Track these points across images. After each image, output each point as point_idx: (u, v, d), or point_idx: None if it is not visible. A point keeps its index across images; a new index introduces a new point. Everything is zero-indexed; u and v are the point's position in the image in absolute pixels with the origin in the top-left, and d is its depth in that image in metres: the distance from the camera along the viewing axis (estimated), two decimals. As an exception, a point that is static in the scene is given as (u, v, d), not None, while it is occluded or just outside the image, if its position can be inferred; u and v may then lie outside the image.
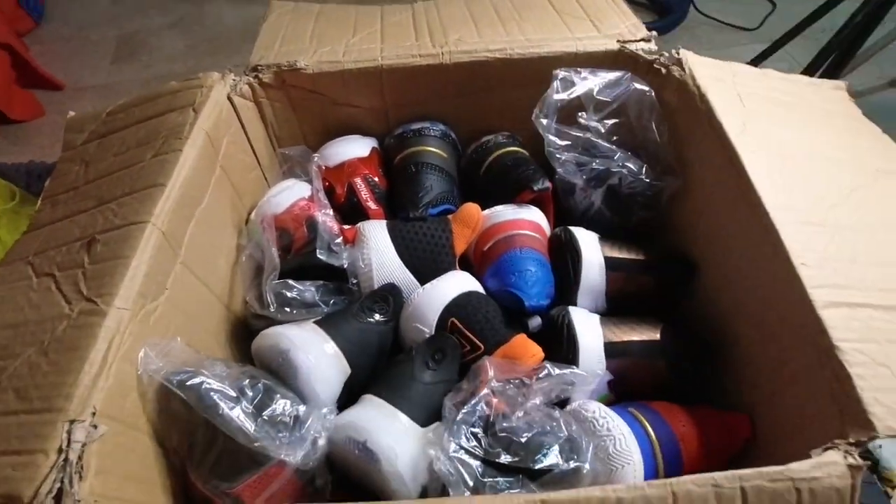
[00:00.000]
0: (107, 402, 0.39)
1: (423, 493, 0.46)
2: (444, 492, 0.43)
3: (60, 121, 0.62)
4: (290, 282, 0.57)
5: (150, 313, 0.46)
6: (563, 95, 0.62)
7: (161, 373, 0.44)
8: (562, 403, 0.52)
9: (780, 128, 0.55)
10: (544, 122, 0.63)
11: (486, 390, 0.46)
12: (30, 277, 0.48)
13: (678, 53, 0.62)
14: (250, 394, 0.46)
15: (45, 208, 0.56)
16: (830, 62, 1.07)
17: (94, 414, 0.38)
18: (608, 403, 0.54)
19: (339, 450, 0.47)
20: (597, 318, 0.57)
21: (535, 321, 0.59)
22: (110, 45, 1.52)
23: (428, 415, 0.50)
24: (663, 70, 0.63)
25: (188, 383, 0.43)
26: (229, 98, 0.61)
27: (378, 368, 0.56)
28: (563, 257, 0.62)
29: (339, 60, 0.64)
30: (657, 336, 0.55)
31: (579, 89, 0.63)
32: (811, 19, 1.16)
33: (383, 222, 0.63)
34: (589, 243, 0.62)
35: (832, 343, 0.38)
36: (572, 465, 0.43)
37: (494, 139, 0.73)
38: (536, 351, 0.52)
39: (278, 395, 0.47)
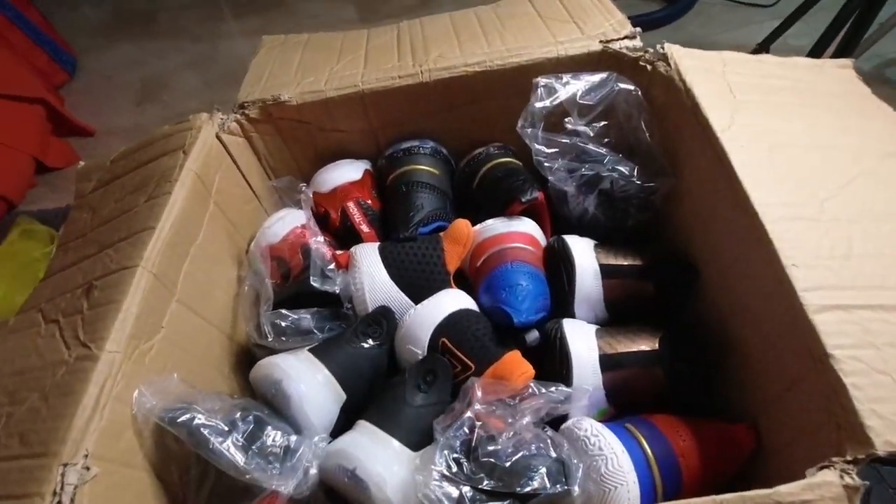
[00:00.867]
0: (100, 443, 0.41)
1: (418, 519, 0.46)
2: (437, 517, 0.42)
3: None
4: (285, 311, 0.58)
5: (145, 353, 0.48)
6: (545, 103, 0.61)
7: (154, 411, 0.45)
8: (561, 419, 0.50)
9: (773, 118, 0.52)
10: (529, 131, 0.62)
11: (469, 413, 0.45)
12: (39, 324, 0.51)
13: (662, 48, 0.60)
14: (241, 426, 0.47)
15: (58, 255, 0.60)
16: (848, 29, 1.00)
17: (86, 456, 0.40)
18: (608, 417, 0.52)
19: (330, 477, 0.48)
20: (592, 329, 0.56)
21: (533, 335, 0.58)
22: (135, 89, 1.61)
23: (420, 438, 0.49)
24: (649, 67, 0.61)
25: (179, 420, 0.45)
26: (218, 137, 0.63)
27: (374, 392, 0.56)
28: (558, 267, 0.61)
29: (321, 89, 0.65)
30: (656, 345, 0.53)
31: (562, 95, 0.61)
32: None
33: (375, 245, 0.64)
34: (582, 251, 0.60)
35: (825, 351, 0.36)
36: (560, 488, 0.41)
37: (486, 151, 0.72)
38: (526, 369, 0.51)
39: (269, 427, 0.48)
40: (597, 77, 0.62)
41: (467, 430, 0.44)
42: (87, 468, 0.39)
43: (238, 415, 0.47)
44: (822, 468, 0.33)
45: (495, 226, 0.63)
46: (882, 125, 0.53)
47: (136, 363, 0.46)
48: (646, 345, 0.53)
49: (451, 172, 0.74)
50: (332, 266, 0.61)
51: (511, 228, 0.63)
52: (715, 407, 0.51)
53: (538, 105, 0.61)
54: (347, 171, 0.71)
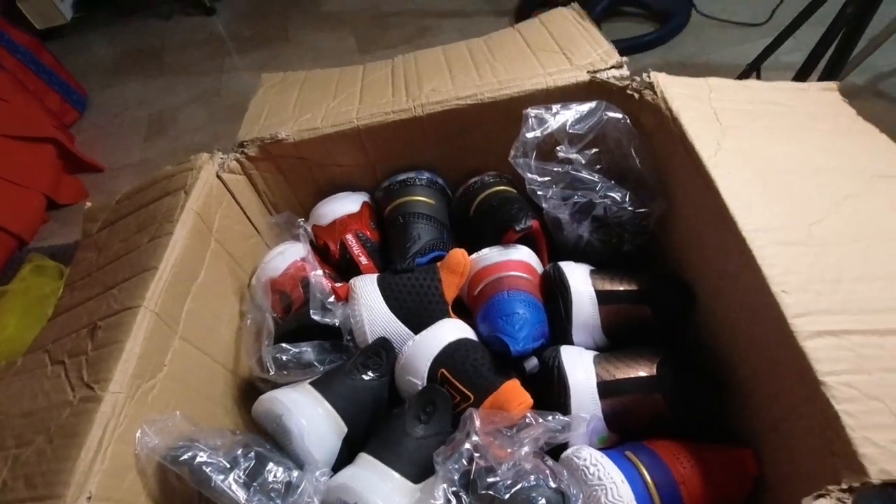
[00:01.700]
0: (103, 484, 0.41)
1: (420, 553, 0.46)
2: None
3: (103, 200, 0.68)
4: (286, 345, 0.59)
5: (148, 392, 0.49)
6: (536, 133, 0.63)
7: (157, 449, 0.46)
8: (563, 446, 0.50)
9: (759, 142, 0.53)
10: (522, 161, 0.63)
11: (468, 444, 0.45)
12: (46, 365, 0.52)
13: (649, 77, 0.61)
14: (243, 463, 0.47)
15: (65, 295, 0.61)
16: (838, 44, 1.01)
17: (89, 498, 0.40)
18: (610, 444, 0.52)
19: (331, 513, 0.48)
20: (590, 356, 0.56)
21: (532, 363, 0.58)
22: (143, 125, 1.65)
23: (421, 470, 0.50)
24: (636, 95, 0.62)
25: (181, 458, 0.45)
26: (218, 176, 0.64)
27: (375, 424, 0.56)
28: (555, 294, 0.61)
29: (317, 127, 0.67)
30: (654, 370, 0.53)
31: (553, 125, 0.63)
32: (815, 5, 1.11)
33: (374, 276, 0.65)
34: (579, 277, 0.61)
35: (817, 378, 0.36)
36: (562, 519, 0.41)
37: (481, 180, 0.73)
38: (524, 398, 0.51)
39: (271, 462, 0.48)
40: (586, 106, 0.63)
41: (466, 462, 0.44)
42: (90, 510, 0.40)
43: (240, 451, 0.48)
44: (818, 496, 0.33)
45: (491, 255, 0.64)
46: (869, 147, 0.54)
47: (139, 403, 0.47)
48: (644, 370, 0.53)
49: (447, 202, 0.75)
50: (331, 298, 0.62)
51: (507, 257, 0.64)
52: (716, 432, 0.51)
53: (529, 135, 0.63)
54: (346, 204, 0.73)
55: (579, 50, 0.70)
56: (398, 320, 0.61)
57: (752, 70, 1.26)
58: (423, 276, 0.63)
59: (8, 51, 1.47)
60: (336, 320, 0.61)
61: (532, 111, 0.62)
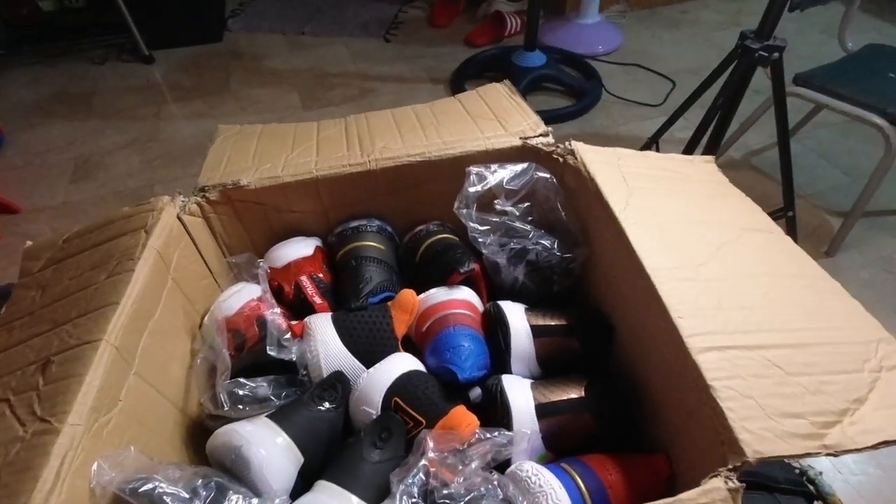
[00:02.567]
0: (59, 519, 0.41)
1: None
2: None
3: (15, 244, 0.67)
4: (242, 380, 0.61)
5: (104, 426, 0.49)
6: (477, 188, 0.72)
7: (114, 483, 0.46)
8: (504, 466, 0.56)
9: (657, 200, 0.65)
10: (464, 212, 0.72)
11: (424, 461, 0.50)
12: (-16, 405, 0.50)
13: (570, 145, 0.73)
14: (203, 493, 0.48)
15: (1, 335, 0.59)
16: (715, 124, 1.24)
17: (46, 532, 0.40)
18: (547, 461, 0.58)
19: (291, 539, 0.49)
20: (528, 383, 0.63)
21: (475, 392, 0.64)
22: (68, 167, 1.59)
23: (378, 493, 0.53)
24: (561, 159, 0.74)
25: (140, 490, 0.46)
26: (179, 217, 0.67)
27: (331, 454, 0.59)
28: (495, 330, 0.68)
29: (278, 175, 0.72)
30: (583, 393, 0.61)
31: (491, 181, 0.72)
32: (697, 94, 1.35)
33: (328, 315, 0.69)
34: (515, 314, 0.68)
35: (707, 383, 0.45)
36: (509, 523, 0.46)
37: (426, 228, 0.81)
38: (472, 420, 0.57)
39: (231, 492, 0.50)
40: (519, 167, 0.74)
41: (423, 477, 0.48)
42: (47, 545, 0.39)
43: (199, 482, 0.49)
44: (712, 477, 0.41)
45: (438, 294, 0.71)
46: (737, 206, 0.68)
47: (95, 437, 0.47)
48: (574, 393, 0.61)
49: (395, 248, 0.82)
50: (287, 335, 0.65)
51: (452, 296, 0.70)
52: (634, 443, 0.59)
53: (471, 189, 0.72)
54: (300, 248, 0.77)
55: (512, 119, 0.82)
56: (352, 355, 0.65)
57: (652, 142, 1.49)
58: (375, 314, 0.68)
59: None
60: (292, 356, 0.64)
61: (474, 169, 0.72)
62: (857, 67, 1.33)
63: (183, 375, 0.64)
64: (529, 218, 0.75)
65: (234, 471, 0.53)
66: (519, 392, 0.60)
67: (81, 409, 0.47)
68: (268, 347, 0.63)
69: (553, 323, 0.68)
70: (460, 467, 0.51)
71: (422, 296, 0.71)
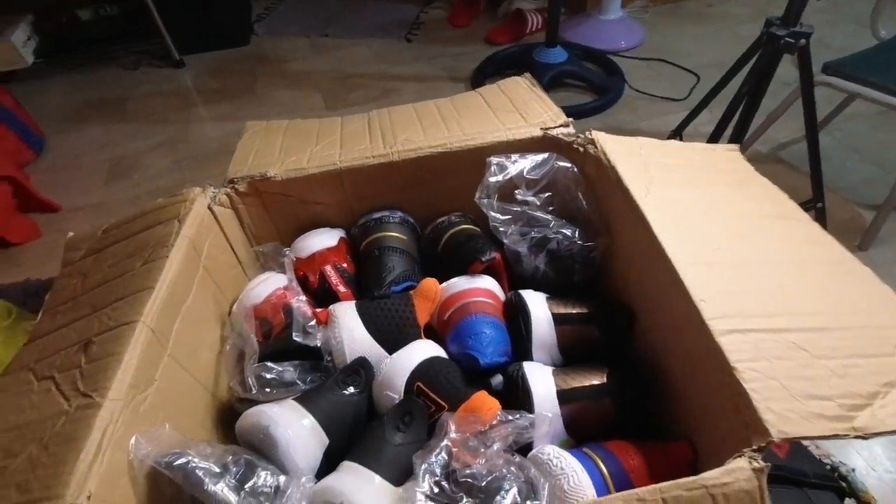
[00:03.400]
0: (101, 486, 0.43)
1: (401, 551, 0.49)
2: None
3: (55, 240, 0.70)
4: (270, 364, 0.63)
5: (140, 403, 0.51)
6: (498, 178, 0.73)
7: (150, 457, 0.48)
8: (525, 450, 0.56)
9: (678, 187, 0.65)
10: (485, 201, 0.73)
11: (446, 441, 0.51)
12: (31, 382, 0.53)
13: (591, 135, 0.74)
14: (233, 469, 0.50)
15: (45, 319, 0.63)
16: (739, 117, 1.22)
17: (89, 497, 0.42)
18: (568, 446, 0.59)
19: (318, 515, 0.51)
20: (549, 370, 0.63)
21: (497, 379, 0.65)
22: (103, 168, 1.65)
23: (401, 474, 0.54)
24: (581, 149, 0.74)
25: (175, 463, 0.48)
26: (210, 208, 0.70)
27: (354, 437, 0.60)
28: (517, 318, 0.69)
29: (304, 167, 0.74)
30: (604, 379, 0.61)
31: (512, 171, 0.73)
32: (722, 84, 1.33)
33: (352, 303, 0.70)
34: (537, 303, 0.69)
35: (730, 365, 0.45)
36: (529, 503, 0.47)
37: (448, 219, 0.82)
38: (494, 405, 0.58)
39: (259, 468, 0.51)
40: (540, 157, 0.74)
41: (445, 457, 0.49)
42: (91, 508, 0.42)
43: (230, 458, 0.51)
44: (736, 457, 0.41)
45: (460, 283, 0.72)
46: (762, 193, 0.67)
47: (133, 412, 0.50)
48: (595, 379, 0.61)
49: (417, 238, 0.83)
50: (313, 322, 0.67)
51: (474, 285, 0.71)
52: (656, 428, 0.59)
53: (492, 180, 0.73)
54: (324, 239, 0.79)
55: (532, 111, 0.82)
56: (375, 342, 0.67)
57: (675, 135, 1.47)
58: (398, 302, 0.70)
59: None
60: (317, 342, 0.66)
61: (494, 159, 0.73)
62: (892, 55, 1.29)
63: (213, 360, 0.67)
64: (550, 207, 0.75)
65: (263, 450, 0.55)
66: (540, 378, 0.61)
67: (120, 386, 0.49)
68: (294, 334, 0.65)
69: (574, 311, 0.69)
70: (482, 450, 0.52)
71: (444, 284, 0.72)
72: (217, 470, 0.49)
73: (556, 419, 0.58)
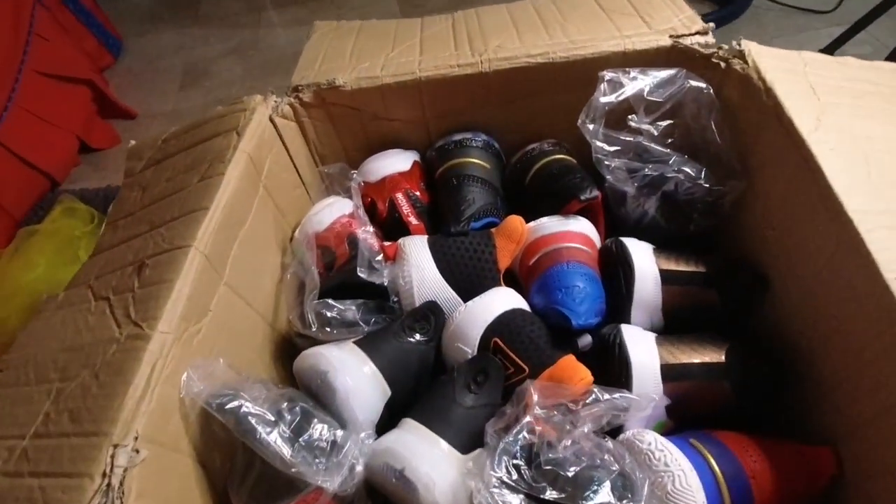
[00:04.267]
0: (149, 425, 0.40)
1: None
2: (487, 522, 0.40)
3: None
4: (331, 301, 0.57)
5: (194, 335, 0.47)
6: (610, 98, 0.58)
7: (202, 395, 0.44)
8: (614, 432, 0.48)
9: (861, 121, 0.49)
10: (591, 127, 0.59)
11: (529, 417, 0.43)
12: (89, 301, 0.50)
13: (740, 45, 0.57)
14: (288, 417, 0.45)
15: (107, 233, 0.59)
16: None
17: (136, 438, 0.38)
18: (666, 431, 0.49)
19: (376, 476, 0.46)
20: (652, 336, 0.53)
21: (585, 339, 0.56)
22: (177, 74, 1.62)
23: (469, 441, 0.47)
24: (722, 64, 0.58)
25: (227, 407, 0.43)
26: (271, 119, 0.62)
27: (420, 390, 0.54)
28: (615, 271, 0.58)
29: (377, 75, 0.63)
30: (722, 357, 0.50)
31: (628, 90, 0.58)
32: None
33: (424, 238, 0.62)
34: (642, 255, 0.57)
35: (936, 375, 0.32)
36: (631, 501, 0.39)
37: (540, 147, 0.70)
38: (585, 374, 0.49)
39: (316, 420, 0.46)
40: (665, 73, 0.59)
41: (527, 436, 0.42)
42: (137, 451, 0.38)
43: (285, 405, 0.46)
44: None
45: (550, 224, 0.61)
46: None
47: (185, 345, 0.45)
48: (710, 356, 0.50)
49: (501, 168, 0.72)
50: (379, 257, 0.60)
51: (567, 227, 0.60)
52: (782, 426, 0.48)
53: (602, 100, 0.59)
54: (396, 162, 0.70)
55: (658, 14, 0.65)
56: (448, 285, 0.59)
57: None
58: (477, 241, 0.60)
59: (47, -12, 1.44)
60: (383, 280, 0.59)
61: (608, 73, 0.58)
62: None
63: (273, 289, 0.62)
64: (669, 140, 0.61)
65: (320, 396, 0.50)
66: (643, 347, 0.51)
67: (171, 317, 0.44)
68: (358, 269, 0.58)
69: (688, 269, 0.56)
70: (568, 428, 0.44)
71: (531, 224, 0.62)
72: (271, 418, 0.44)
73: (659, 400, 0.48)
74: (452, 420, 0.48)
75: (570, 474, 0.40)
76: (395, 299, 0.59)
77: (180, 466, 0.43)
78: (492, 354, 0.52)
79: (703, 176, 0.58)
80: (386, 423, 0.51)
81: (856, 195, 0.42)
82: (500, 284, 0.59)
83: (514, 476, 0.39)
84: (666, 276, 0.56)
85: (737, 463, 0.43)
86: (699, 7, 1.59)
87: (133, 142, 0.69)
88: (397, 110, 0.67)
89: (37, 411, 0.41)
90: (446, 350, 0.56)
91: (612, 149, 0.60)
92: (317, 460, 0.44)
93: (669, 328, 0.57)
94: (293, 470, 0.42)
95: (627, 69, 0.59)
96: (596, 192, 0.60)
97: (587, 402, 0.44)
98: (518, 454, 0.41)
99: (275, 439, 0.43)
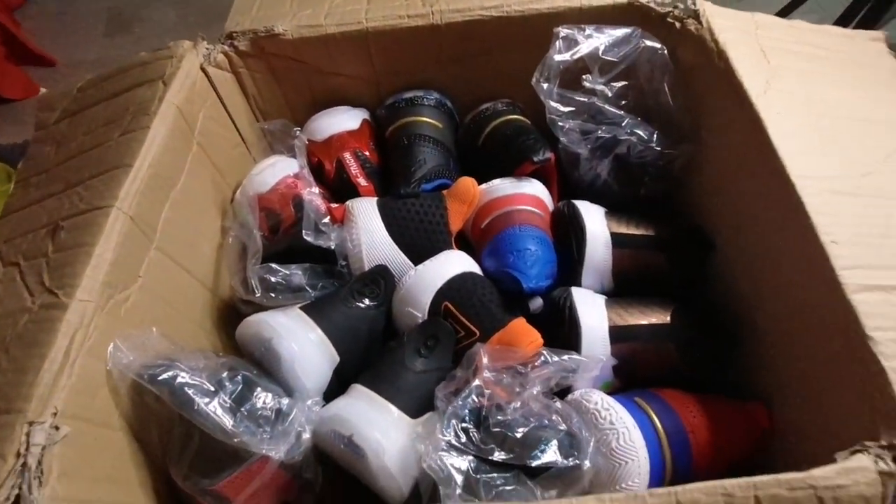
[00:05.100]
0: (71, 400, 0.37)
1: (415, 487, 0.44)
2: (436, 485, 0.40)
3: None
4: (275, 266, 0.54)
5: (121, 304, 0.43)
6: (565, 56, 0.57)
7: (132, 367, 0.41)
8: (562, 393, 0.48)
9: (808, 86, 0.49)
10: (545, 86, 0.57)
11: (478, 381, 0.43)
12: (-3, 267, 0.45)
13: (695, 4, 0.56)
14: (229, 387, 0.43)
15: (17, 192, 0.53)
16: (866, 12, 0.98)
17: (55, 414, 0.35)
18: (613, 391, 0.50)
19: (325, 444, 0.45)
20: (602, 299, 0.53)
21: (536, 302, 0.55)
22: (101, 19, 1.47)
23: (419, 405, 0.47)
24: (678, 24, 0.57)
25: (160, 378, 0.41)
26: (203, 69, 0.56)
27: (369, 356, 0.53)
28: (567, 234, 0.58)
29: (320, 24, 0.59)
30: (668, 319, 0.51)
31: (584, 49, 0.57)
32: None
33: (374, 200, 0.59)
34: (594, 218, 0.57)
35: (865, 332, 0.34)
36: (572, 461, 0.39)
37: (493, 107, 0.67)
38: (535, 337, 0.49)
39: (260, 388, 0.45)
40: (621, 32, 0.57)
41: (476, 399, 0.41)
42: (57, 427, 0.35)
43: (225, 374, 0.44)
44: (854, 452, 0.32)
45: (503, 186, 0.60)
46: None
47: (111, 315, 0.42)
48: (657, 318, 0.51)
49: (454, 128, 0.69)
50: (326, 220, 0.57)
51: (520, 190, 0.59)
52: (727, 385, 0.50)
53: (557, 58, 0.57)
54: (345, 120, 0.66)
55: (616, -31, 0.63)
56: (398, 248, 0.57)
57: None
58: (428, 203, 0.58)
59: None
60: (331, 243, 0.56)
61: (563, 30, 0.56)
62: None
63: (212, 254, 0.58)
64: (623, 102, 0.60)
65: (265, 364, 0.48)
66: (592, 310, 0.51)
67: (92, 284, 0.41)
68: (304, 232, 0.55)
69: (639, 233, 0.57)
70: (517, 390, 0.44)
71: (483, 186, 0.60)
72: (210, 387, 0.42)
73: (606, 361, 0.49)
74: (402, 385, 0.47)
75: (518, 435, 0.40)
76: (344, 263, 0.57)
77: (113, 442, 0.40)
78: (443, 319, 0.51)
79: (655, 139, 0.57)
80: (335, 390, 0.50)
81: (798, 160, 0.43)
82: (451, 247, 0.58)
83: (463, 439, 0.39)
84: (617, 239, 0.57)
85: (677, 419, 0.45)
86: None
87: (44, 89, 0.62)
88: (344, 64, 0.63)
89: (-62, 391, 0.37)
90: (396, 315, 0.55)
91: (567, 109, 0.59)
92: (261, 429, 0.42)
93: (619, 291, 0.57)
94: (236, 440, 0.41)
95: (583, 26, 0.57)
96: (549, 154, 0.59)
97: (536, 364, 0.44)
98: (467, 417, 0.41)
99: (214, 409, 0.41)
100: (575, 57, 0.57)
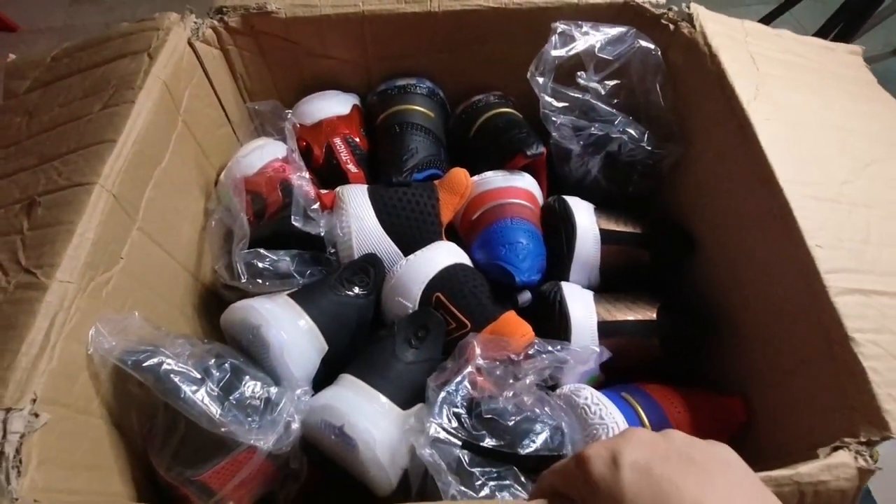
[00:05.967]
0: (51, 386, 0.35)
1: (405, 478, 0.44)
2: (426, 476, 0.40)
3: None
4: (262, 251, 0.53)
5: (102, 286, 0.41)
6: (561, 52, 0.57)
7: (114, 352, 0.39)
8: (550, 388, 0.49)
9: (794, 94, 0.51)
10: (540, 80, 0.58)
11: (470, 368, 0.43)
12: (-35, 244, 0.43)
13: (689, 7, 0.57)
14: (216, 374, 0.42)
15: (-17, 165, 0.50)
16: (840, 29, 1.02)
17: (34, 401, 0.34)
18: (598, 384, 0.52)
19: (314, 434, 0.44)
20: (590, 294, 0.54)
21: (525, 296, 0.56)
22: (68, -17, 1.39)
23: (409, 396, 0.47)
24: (671, 26, 0.58)
25: (145, 364, 0.39)
26: (190, 43, 0.54)
27: (357, 345, 0.53)
28: (556, 228, 0.59)
29: (315, 4, 0.57)
30: (653, 315, 0.52)
31: (579, 45, 0.57)
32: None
33: (364, 187, 0.58)
34: (584, 214, 0.58)
35: (846, 333, 0.36)
36: (562, 452, 0.40)
37: (485, 99, 0.67)
38: (527, 330, 0.49)
39: (247, 377, 0.43)
40: (616, 31, 0.58)
41: (468, 386, 0.42)
42: (36, 415, 0.33)
43: (212, 361, 0.43)
44: (835, 448, 0.33)
45: (495, 179, 0.60)
46: (887, 115, 0.53)
47: (92, 297, 0.40)
48: (643, 314, 0.53)
49: (445, 118, 0.69)
50: (315, 206, 0.56)
51: (511, 183, 0.59)
52: (708, 379, 0.52)
53: (553, 52, 0.57)
54: (335, 104, 0.64)
55: (613, -33, 0.64)
56: (388, 237, 0.56)
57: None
58: (420, 192, 0.58)
59: None
60: (319, 230, 0.55)
61: (561, 25, 0.56)
62: None
63: (195, 237, 0.56)
64: (615, 100, 0.61)
65: (251, 351, 0.47)
66: (581, 305, 0.52)
67: (73, 265, 0.39)
68: (292, 217, 0.54)
69: (626, 229, 0.58)
70: (510, 381, 0.44)
71: (475, 178, 0.60)
72: (197, 375, 0.41)
73: (600, 353, 0.50)
74: (392, 375, 0.47)
75: (509, 423, 0.40)
76: (332, 251, 0.56)
77: (92, 430, 0.39)
78: (433, 309, 0.51)
79: (645, 138, 0.58)
80: (323, 379, 0.49)
81: (787, 165, 0.44)
82: (441, 238, 0.58)
83: (455, 424, 0.39)
84: (605, 235, 0.58)
85: (662, 413, 0.46)
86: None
87: (12, 56, 0.59)
88: (337, 48, 0.61)
89: None
90: (386, 304, 0.55)
91: (560, 105, 0.59)
92: (249, 419, 0.42)
93: (605, 286, 0.58)
94: (223, 429, 0.40)
95: (580, 23, 0.57)
96: (542, 149, 0.59)
97: (529, 353, 0.44)
98: (459, 403, 0.41)
99: (201, 398, 0.40)
100: (571, 53, 0.57)
